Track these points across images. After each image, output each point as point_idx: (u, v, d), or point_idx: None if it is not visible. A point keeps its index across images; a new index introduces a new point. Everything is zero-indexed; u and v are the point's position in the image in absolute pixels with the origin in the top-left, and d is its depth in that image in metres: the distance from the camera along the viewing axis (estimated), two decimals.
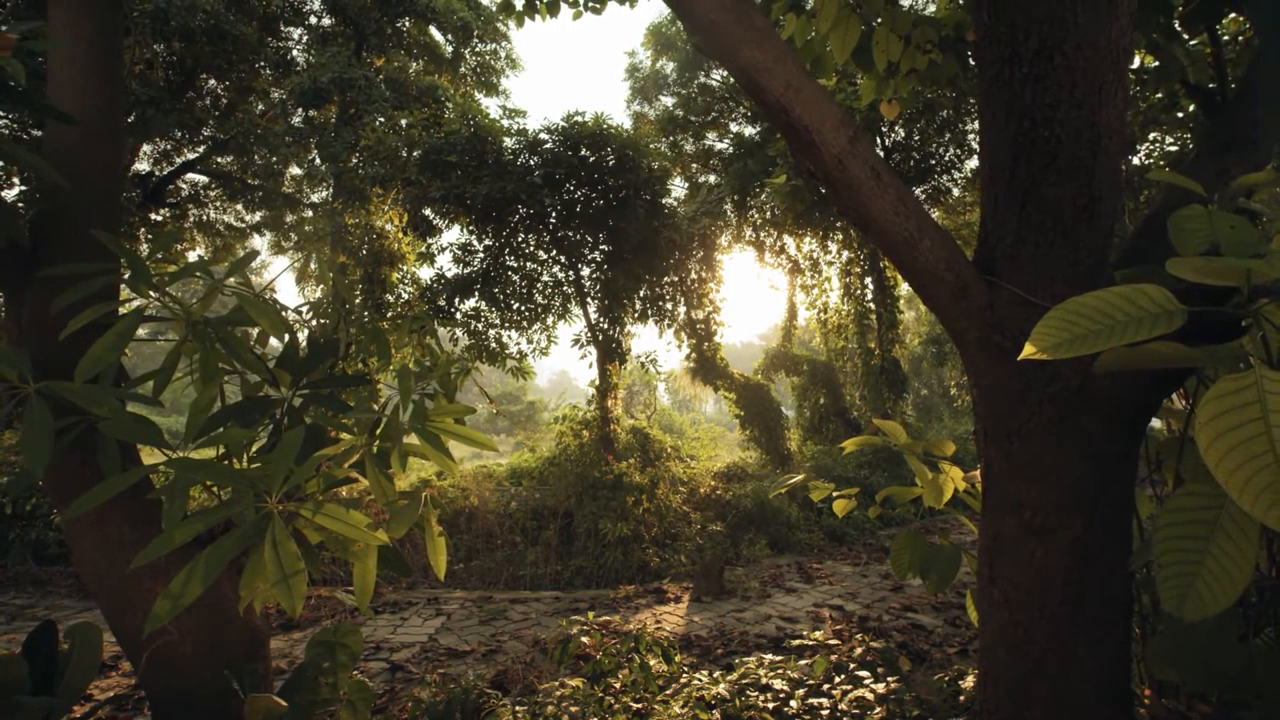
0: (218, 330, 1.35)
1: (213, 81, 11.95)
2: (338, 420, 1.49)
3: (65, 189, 1.28)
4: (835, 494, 2.52)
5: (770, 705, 2.18)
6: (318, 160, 11.41)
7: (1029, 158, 1.50)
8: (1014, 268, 1.66)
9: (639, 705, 2.16)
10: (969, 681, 2.32)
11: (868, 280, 12.85)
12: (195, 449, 1.44)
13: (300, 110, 11.53)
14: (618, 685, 2.29)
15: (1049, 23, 1.38)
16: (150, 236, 12.00)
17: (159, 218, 13.06)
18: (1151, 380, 1.56)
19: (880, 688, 2.24)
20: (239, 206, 14.77)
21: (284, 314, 1.90)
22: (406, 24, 12.67)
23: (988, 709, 1.79)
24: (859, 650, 2.69)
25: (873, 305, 12.74)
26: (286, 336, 1.65)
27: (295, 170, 13.92)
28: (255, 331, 1.85)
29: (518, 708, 2.07)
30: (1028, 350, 1.21)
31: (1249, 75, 1.82)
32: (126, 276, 1.37)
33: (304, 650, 4.34)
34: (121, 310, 1.48)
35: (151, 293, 1.24)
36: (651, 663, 2.38)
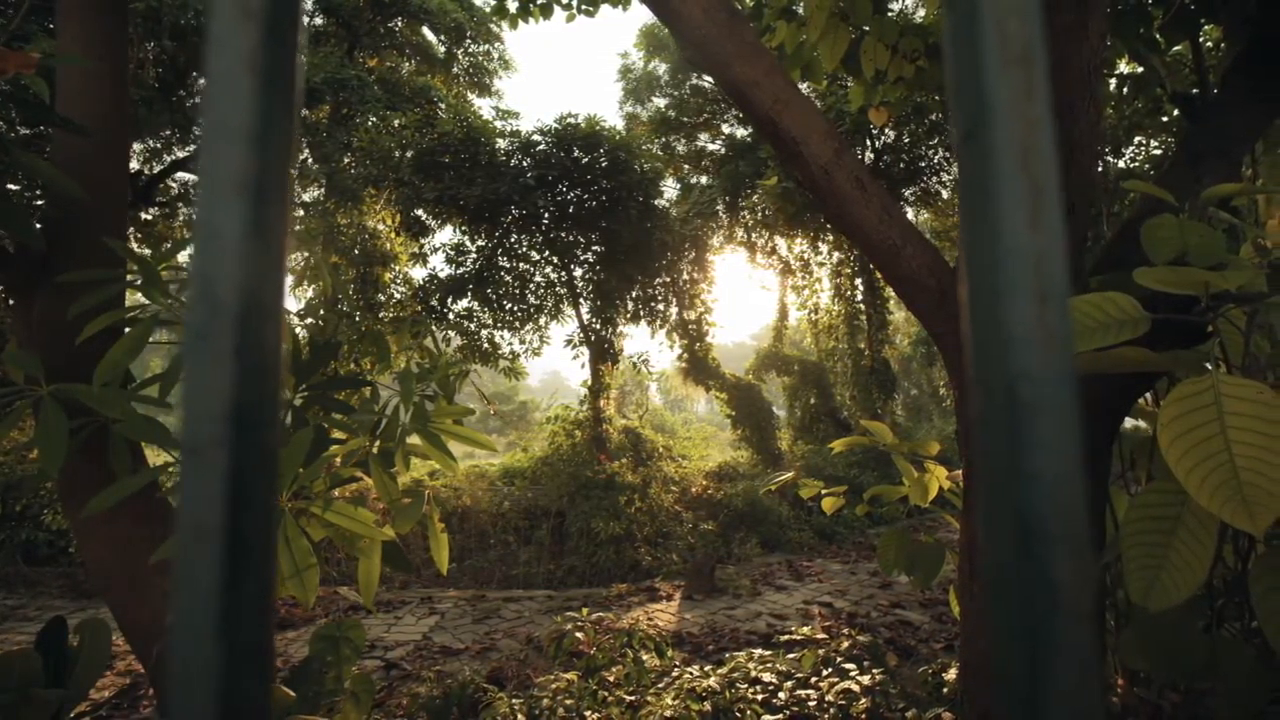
0: None
1: (203, 80, 11.89)
2: (339, 421, 1.54)
3: (83, 199, 1.32)
4: (824, 492, 2.58)
5: (759, 697, 2.25)
6: (310, 160, 11.39)
7: None
8: None
9: (632, 698, 2.22)
10: (952, 674, 2.39)
11: (858, 281, 12.96)
12: None
13: None
14: (612, 679, 2.35)
15: None
16: (139, 235, 11.94)
17: (149, 216, 12.99)
18: (1122, 383, 1.63)
19: (866, 680, 2.31)
20: None
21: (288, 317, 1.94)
22: (399, 24, 12.67)
23: (968, 699, 1.86)
24: (846, 645, 2.76)
25: (863, 306, 12.86)
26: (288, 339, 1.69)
27: None
28: None
29: (514, 700, 2.13)
30: None
31: (1223, 86, 1.89)
32: (136, 281, 1.41)
33: (298, 648, 4.37)
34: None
35: (165, 298, 1.29)
36: (644, 658, 2.44)
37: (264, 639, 0.10)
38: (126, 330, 1.59)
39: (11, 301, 1.57)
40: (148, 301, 1.42)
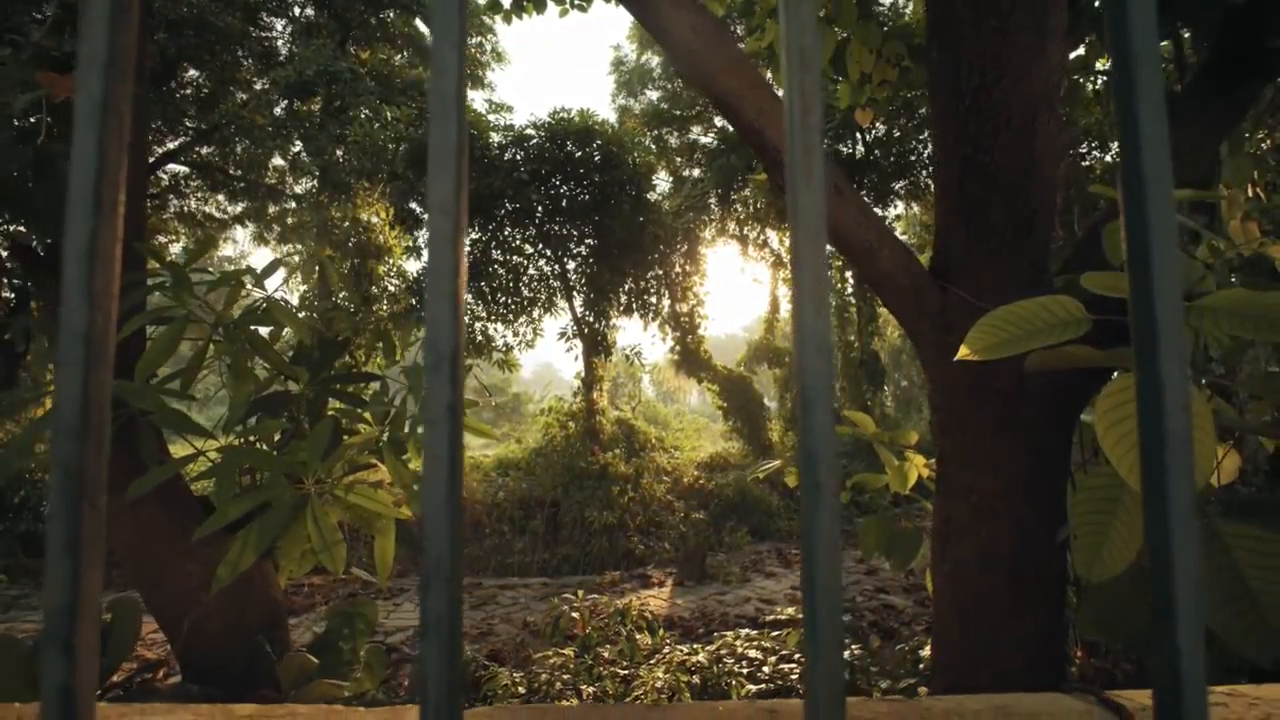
0: (245, 333, 1.50)
1: (193, 71, 11.85)
2: (354, 412, 1.65)
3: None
4: None
5: (744, 671, 2.39)
6: (303, 154, 11.38)
7: (974, 179, 1.68)
8: (964, 274, 1.84)
9: (625, 672, 2.36)
10: (929, 651, 2.54)
11: (848, 274, 13.09)
12: (225, 440, 1.59)
13: (284, 102, 11.49)
14: (606, 656, 2.49)
15: (988, 62, 1.56)
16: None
17: None
18: (1081, 378, 1.75)
19: (845, 655, 2.44)
20: (220, 197, 14.66)
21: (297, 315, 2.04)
22: (391, 16, 12.63)
23: (940, 670, 1.99)
24: None
25: (853, 299, 13.00)
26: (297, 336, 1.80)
27: (278, 161, 13.84)
28: (266, 330, 1.99)
29: (515, 674, 2.26)
30: (962, 352, 1.40)
31: (1188, 92, 2.00)
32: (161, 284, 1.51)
33: (299, 634, 4.48)
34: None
35: (191, 300, 1.39)
36: (637, 636, 2.57)
37: (459, 503, 0.21)
38: (150, 330, 1.69)
39: (41, 301, 1.66)
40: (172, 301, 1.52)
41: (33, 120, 1.19)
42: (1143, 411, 0.19)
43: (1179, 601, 0.19)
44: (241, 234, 16.48)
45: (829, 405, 0.20)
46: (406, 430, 1.56)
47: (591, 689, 2.21)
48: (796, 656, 2.50)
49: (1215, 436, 1.10)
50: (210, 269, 1.97)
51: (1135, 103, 0.19)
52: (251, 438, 1.60)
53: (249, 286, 1.66)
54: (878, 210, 12.70)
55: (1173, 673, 0.19)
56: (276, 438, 1.71)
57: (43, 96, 1.08)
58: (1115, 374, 1.94)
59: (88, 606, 0.23)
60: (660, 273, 11.18)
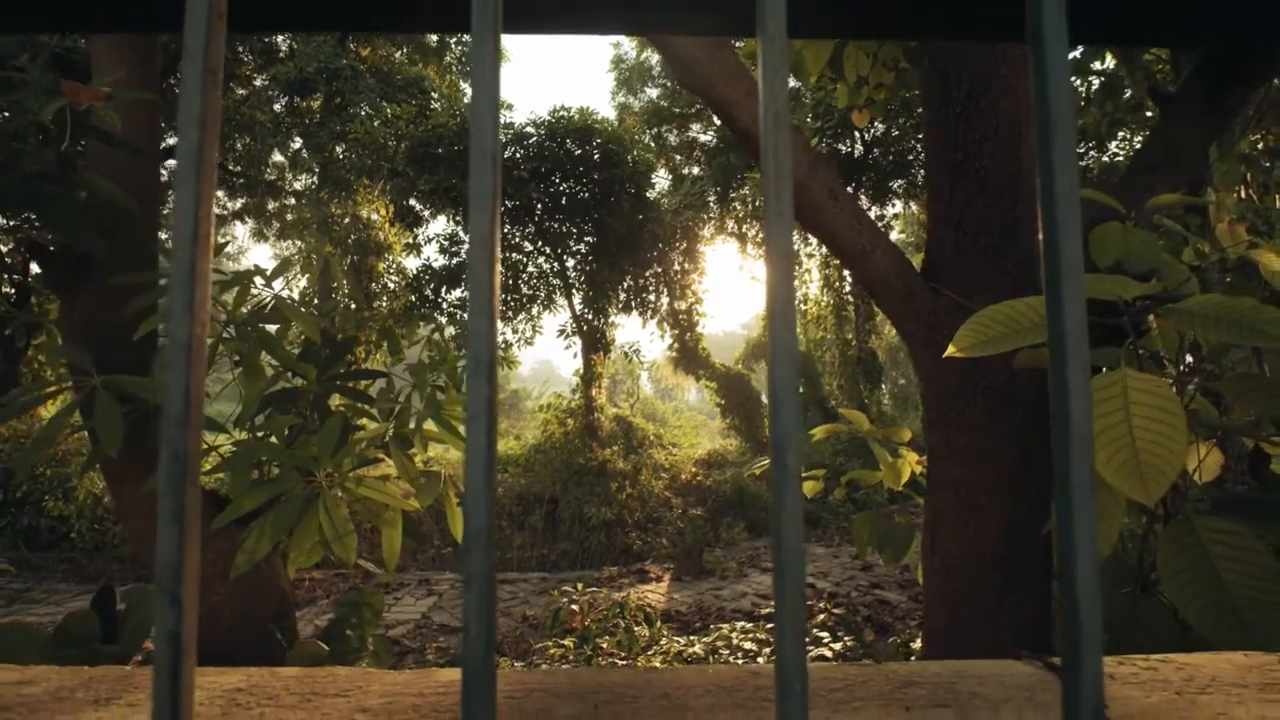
0: (257, 331, 1.55)
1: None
2: (360, 409, 1.70)
3: (134, 210, 1.46)
4: (802, 475, 2.76)
5: (740, 662, 2.45)
6: (303, 151, 11.40)
7: (963, 184, 1.73)
8: (953, 276, 1.90)
9: (624, 663, 2.42)
10: (919, 643, 2.60)
11: (846, 273, 13.14)
12: (232, 434, 1.63)
13: (284, 98, 11.49)
14: (605, 647, 2.54)
15: (977, 72, 1.61)
16: None
17: None
18: None
19: (837, 646, 2.53)
20: (220, 193, 14.67)
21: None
22: None
23: (928, 660, 2.05)
24: (822, 617, 2.98)
25: (850, 297, 13.06)
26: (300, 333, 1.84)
27: (278, 157, 13.85)
28: (273, 328, 2.04)
29: (516, 664, 2.31)
30: (950, 350, 1.45)
31: (1179, 96, 2.04)
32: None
33: (301, 627, 4.54)
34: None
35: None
36: (635, 629, 2.63)
37: (494, 483, 0.26)
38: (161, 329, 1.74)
39: (56, 299, 1.70)
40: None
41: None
42: (1055, 410, 0.24)
43: (1078, 568, 0.24)
44: (241, 230, 16.48)
45: (794, 402, 0.25)
46: (412, 426, 1.61)
47: None
48: None
49: (1187, 436, 1.16)
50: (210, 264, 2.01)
51: (1051, 158, 0.24)
52: (261, 433, 1.65)
53: (257, 286, 1.71)
54: (876, 209, 12.75)
55: (1074, 627, 0.24)
56: (285, 433, 1.76)
57: (66, 104, 1.13)
58: (1105, 370, 1.99)
59: (190, 566, 0.28)
60: (659, 270, 11.23)
